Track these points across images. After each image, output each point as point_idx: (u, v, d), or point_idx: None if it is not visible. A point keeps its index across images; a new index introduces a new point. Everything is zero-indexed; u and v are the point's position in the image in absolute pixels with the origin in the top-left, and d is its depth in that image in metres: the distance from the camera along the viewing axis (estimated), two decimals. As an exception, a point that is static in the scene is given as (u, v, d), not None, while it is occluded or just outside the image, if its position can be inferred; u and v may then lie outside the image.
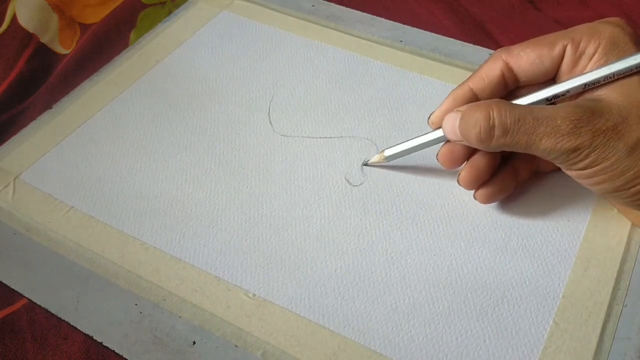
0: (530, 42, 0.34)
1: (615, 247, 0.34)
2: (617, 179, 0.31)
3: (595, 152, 0.30)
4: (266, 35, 0.49)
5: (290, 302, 0.33)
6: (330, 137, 0.41)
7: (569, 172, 0.32)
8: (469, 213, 0.36)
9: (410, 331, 0.31)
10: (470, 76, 0.35)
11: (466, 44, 0.47)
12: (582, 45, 0.32)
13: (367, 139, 0.41)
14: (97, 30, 0.52)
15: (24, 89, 0.48)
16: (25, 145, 0.41)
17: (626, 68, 0.31)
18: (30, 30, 0.51)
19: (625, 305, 0.32)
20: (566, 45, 0.32)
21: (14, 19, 0.51)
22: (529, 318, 0.32)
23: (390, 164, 0.39)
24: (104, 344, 0.32)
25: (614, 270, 0.33)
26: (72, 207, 0.37)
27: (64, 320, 0.33)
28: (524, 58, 0.33)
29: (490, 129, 0.31)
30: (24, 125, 0.44)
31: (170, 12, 0.52)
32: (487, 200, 0.36)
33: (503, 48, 0.34)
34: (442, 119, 0.34)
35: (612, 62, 0.31)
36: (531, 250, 0.34)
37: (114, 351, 0.31)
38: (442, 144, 0.35)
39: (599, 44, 0.32)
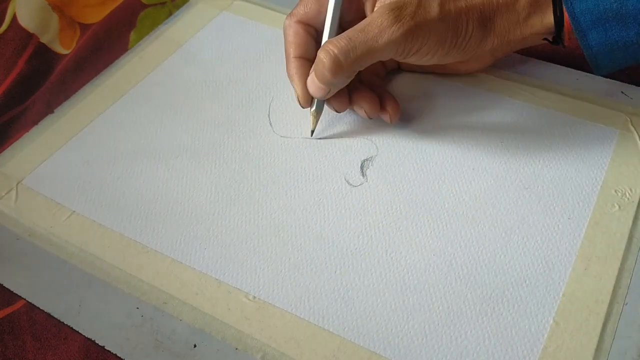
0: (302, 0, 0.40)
1: (616, 245, 0.34)
2: (446, 41, 0.37)
3: (421, 29, 0.35)
4: (266, 36, 0.49)
5: (290, 304, 0.33)
6: (330, 138, 0.41)
7: (409, 60, 0.38)
8: (469, 213, 0.36)
9: (410, 332, 0.32)
10: (287, 53, 0.40)
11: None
12: None
13: (367, 138, 0.41)
14: (97, 30, 0.52)
15: (24, 89, 0.48)
16: (28, 150, 0.42)
17: None
18: (30, 30, 0.51)
19: (626, 304, 0.32)
20: None
21: (14, 19, 0.51)
22: (529, 317, 0.32)
23: (391, 163, 0.39)
24: (105, 347, 0.32)
25: (614, 268, 0.33)
26: (74, 211, 0.38)
27: (65, 324, 0.33)
28: (310, 12, 0.39)
29: (335, 59, 0.35)
30: (24, 126, 0.44)
31: (170, 13, 0.52)
32: (397, 114, 0.40)
33: (287, 17, 0.40)
34: (307, 96, 0.39)
35: None
36: (531, 249, 0.34)
37: (115, 354, 0.32)
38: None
39: None
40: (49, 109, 0.45)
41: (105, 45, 0.51)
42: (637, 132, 0.40)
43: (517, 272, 0.33)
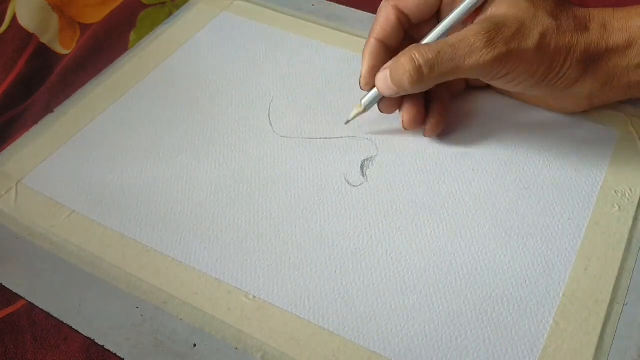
0: None
1: (616, 245, 0.34)
2: (536, 73, 0.35)
3: (512, 56, 0.34)
4: (266, 36, 0.49)
5: (290, 303, 0.33)
6: (330, 138, 0.41)
7: (495, 84, 0.37)
8: (469, 213, 0.36)
9: (410, 332, 0.32)
10: (371, 31, 0.39)
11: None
12: None
13: (367, 139, 0.41)
14: (97, 30, 0.52)
15: (24, 89, 0.48)
16: (28, 149, 0.42)
17: None
18: (30, 30, 0.51)
19: (626, 304, 0.32)
20: None
21: (14, 19, 0.52)
22: (529, 317, 0.32)
23: (391, 163, 0.39)
24: (105, 347, 0.32)
25: (614, 268, 0.33)
26: (74, 210, 0.38)
27: (65, 323, 0.33)
28: (412, 2, 0.38)
29: (418, 69, 0.34)
30: (24, 126, 0.44)
31: (170, 13, 0.52)
32: (436, 130, 0.39)
33: None
34: (370, 77, 0.38)
35: None
36: (531, 250, 0.34)
37: (115, 354, 0.32)
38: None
39: None
40: (49, 109, 0.45)
41: (105, 45, 0.51)
42: (637, 133, 0.40)
43: (517, 272, 0.33)
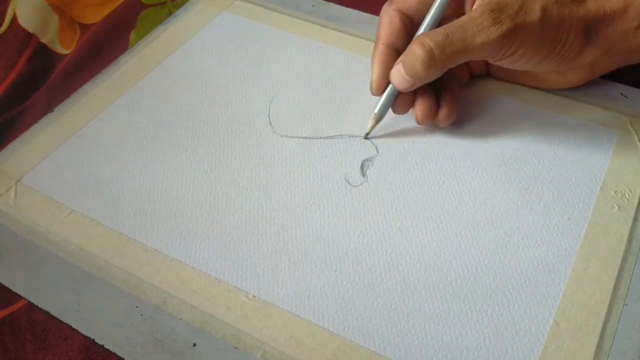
0: None
1: (616, 245, 0.34)
2: (543, 46, 0.35)
3: (520, 31, 0.34)
4: (266, 36, 0.49)
5: (290, 303, 0.33)
6: (330, 138, 0.41)
7: (503, 63, 0.37)
8: (469, 213, 0.36)
9: (410, 332, 0.31)
10: (378, 37, 0.40)
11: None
12: None
13: (367, 138, 0.41)
14: (97, 31, 0.52)
15: (24, 89, 0.48)
16: (27, 148, 0.41)
17: None
18: (30, 30, 0.51)
19: (626, 305, 0.32)
20: None
21: (14, 19, 0.52)
22: (529, 318, 0.32)
23: (391, 163, 0.39)
24: (105, 346, 0.32)
25: (614, 268, 0.33)
26: (73, 210, 0.38)
27: (64, 322, 0.33)
28: (412, 3, 0.39)
29: (430, 52, 0.35)
30: (24, 126, 0.44)
31: (170, 13, 0.52)
32: (449, 119, 0.40)
33: (387, 2, 0.40)
34: (381, 81, 0.39)
35: None
36: (531, 250, 0.34)
37: (115, 353, 0.32)
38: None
39: None
40: (49, 108, 0.45)
41: (105, 45, 0.51)
42: (636, 134, 0.40)
43: (517, 272, 0.33)
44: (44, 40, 0.51)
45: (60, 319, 0.33)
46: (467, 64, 0.43)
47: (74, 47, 0.51)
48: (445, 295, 0.33)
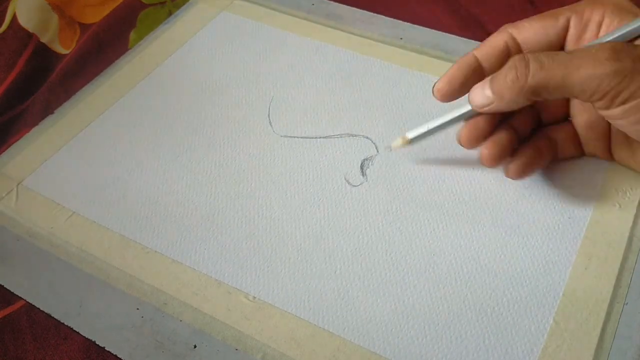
0: (535, 16, 0.35)
1: (616, 244, 0.34)
2: None
3: (636, 79, 0.29)
4: (266, 36, 0.49)
5: (290, 304, 0.33)
6: (330, 137, 0.41)
7: (608, 113, 0.31)
8: (468, 213, 0.36)
9: (410, 332, 0.32)
10: (477, 47, 0.35)
11: (467, 40, 0.47)
12: (586, 15, 0.33)
13: (367, 138, 0.41)
14: (97, 30, 0.52)
15: (24, 89, 0.48)
16: (28, 151, 0.42)
17: None
18: (30, 30, 0.51)
19: (627, 304, 0.32)
20: (570, 17, 0.33)
21: (14, 18, 0.52)
22: (529, 317, 0.32)
23: (391, 163, 0.39)
24: (106, 348, 0.32)
25: (615, 267, 0.33)
26: (74, 212, 0.38)
27: (65, 324, 0.33)
28: (528, 29, 0.34)
29: (526, 65, 0.30)
30: (24, 126, 0.44)
31: (170, 13, 0.52)
32: (520, 173, 0.35)
33: (510, 23, 0.35)
34: (448, 86, 0.35)
35: (626, 24, 0.31)
36: (531, 249, 0.34)
37: (115, 355, 0.32)
38: (461, 124, 0.35)
39: (604, 11, 0.33)
40: (48, 108, 0.45)
41: (105, 45, 0.51)
42: (637, 131, 0.40)
43: (517, 272, 0.33)
44: (43, 40, 0.51)
45: (62, 321, 0.33)
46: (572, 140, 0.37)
47: (74, 46, 0.51)
48: (445, 295, 0.33)
